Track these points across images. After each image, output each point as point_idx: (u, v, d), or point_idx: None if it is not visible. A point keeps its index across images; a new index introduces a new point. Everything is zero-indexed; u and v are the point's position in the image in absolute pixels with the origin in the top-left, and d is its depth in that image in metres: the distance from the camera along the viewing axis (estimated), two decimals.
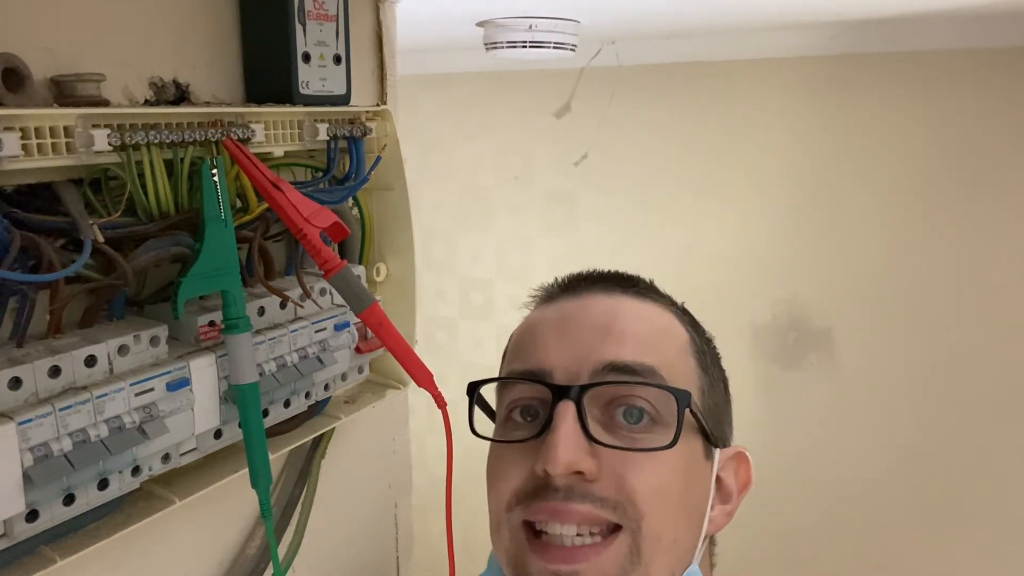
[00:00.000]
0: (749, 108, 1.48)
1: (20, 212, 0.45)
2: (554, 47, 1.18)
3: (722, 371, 0.61)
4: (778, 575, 1.45)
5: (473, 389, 0.58)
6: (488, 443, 0.57)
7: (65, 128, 0.45)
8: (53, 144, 0.45)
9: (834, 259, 1.41)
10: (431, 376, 0.60)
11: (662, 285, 0.63)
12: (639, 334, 0.54)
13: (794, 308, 1.46)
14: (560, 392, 0.51)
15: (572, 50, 1.22)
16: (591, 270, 0.62)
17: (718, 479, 0.56)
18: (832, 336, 1.42)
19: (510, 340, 0.61)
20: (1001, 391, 1.28)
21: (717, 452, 0.56)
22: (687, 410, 0.51)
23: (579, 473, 0.49)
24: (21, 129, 0.43)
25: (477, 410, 0.58)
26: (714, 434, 0.55)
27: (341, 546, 0.79)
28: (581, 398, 0.51)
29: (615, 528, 0.50)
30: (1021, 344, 1.26)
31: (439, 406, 0.59)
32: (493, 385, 0.60)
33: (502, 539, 0.53)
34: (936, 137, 1.32)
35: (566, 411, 0.50)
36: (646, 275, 0.63)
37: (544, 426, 0.51)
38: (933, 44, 1.28)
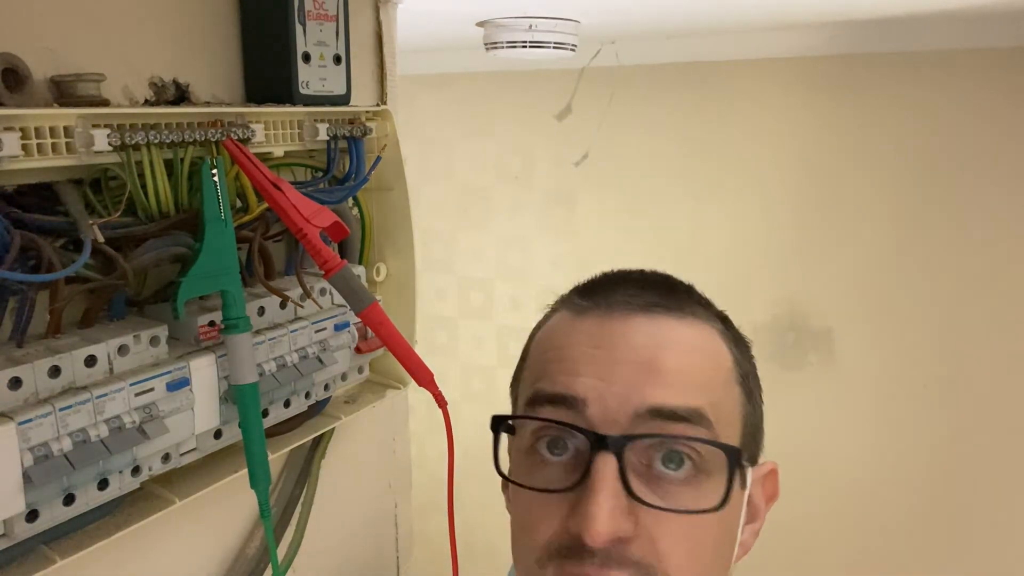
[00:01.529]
0: (749, 108, 1.48)
1: (20, 212, 0.45)
2: (554, 47, 1.18)
3: (759, 382, 0.56)
4: (777, 574, 1.45)
5: (497, 424, 0.52)
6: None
7: (65, 128, 0.45)
8: (53, 144, 0.45)
9: (834, 259, 1.41)
10: (431, 375, 0.60)
11: None
12: (685, 370, 0.49)
13: (794, 308, 1.46)
14: (599, 441, 0.46)
15: (572, 50, 1.22)
16: (625, 273, 0.55)
17: (748, 497, 0.52)
18: (832, 336, 1.42)
19: (532, 343, 0.56)
20: (1001, 390, 1.28)
21: (750, 472, 0.52)
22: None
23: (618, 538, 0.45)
24: (21, 129, 0.43)
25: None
26: (752, 460, 0.52)
27: (341, 546, 0.79)
28: (623, 450, 0.46)
29: None
30: (1021, 344, 1.26)
31: (439, 405, 0.59)
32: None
33: None
34: (936, 137, 1.32)
35: (605, 467, 0.45)
36: None
37: (580, 477, 0.46)
38: (933, 44, 1.28)
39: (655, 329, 0.50)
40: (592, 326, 0.51)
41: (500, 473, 0.53)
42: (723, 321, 0.54)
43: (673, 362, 0.48)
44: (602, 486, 0.45)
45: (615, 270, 0.56)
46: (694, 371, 0.49)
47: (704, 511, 0.46)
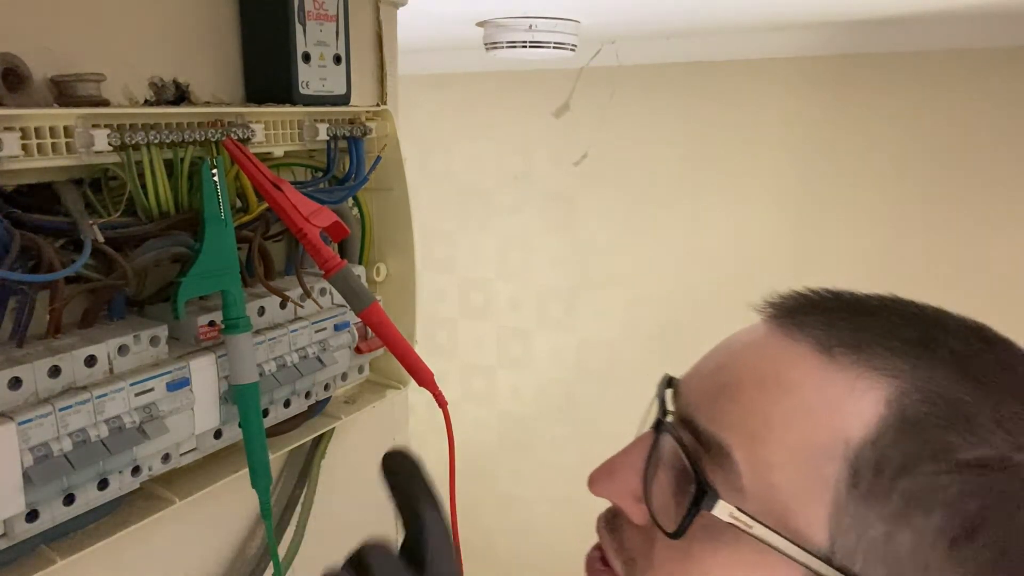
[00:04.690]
0: (749, 108, 1.48)
1: (20, 212, 0.45)
2: (554, 47, 1.18)
3: (931, 512, 0.35)
4: None
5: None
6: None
7: (65, 128, 0.45)
8: (53, 144, 0.45)
9: (834, 258, 1.41)
10: (431, 375, 0.60)
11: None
12: (755, 401, 0.39)
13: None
14: (658, 422, 0.43)
15: (572, 50, 1.22)
16: (843, 296, 0.46)
17: None
18: None
19: None
20: None
21: None
22: (727, 515, 0.38)
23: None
24: (21, 129, 0.43)
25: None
26: None
27: (341, 546, 0.79)
28: (659, 438, 0.42)
29: None
30: (1021, 343, 1.26)
31: (440, 405, 0.59)
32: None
33: None
34: (936, 136, 1.32)
35: (644, 440, 0.43)
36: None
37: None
38: (933, 44, 1.28)
39: (780, 350, 0.41)
40: (743, 330, 0.45)
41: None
42: (937, 403, 0.36)
43: (748, 384, 0.40)
44: (627, 450, 0.43)
45: (839, 290, 0.47)
46: (767, 405, 0.39)
47: (660, 526, 0.40)
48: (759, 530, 0.37)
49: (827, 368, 0.38)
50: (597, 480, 0.43)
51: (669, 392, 0.45)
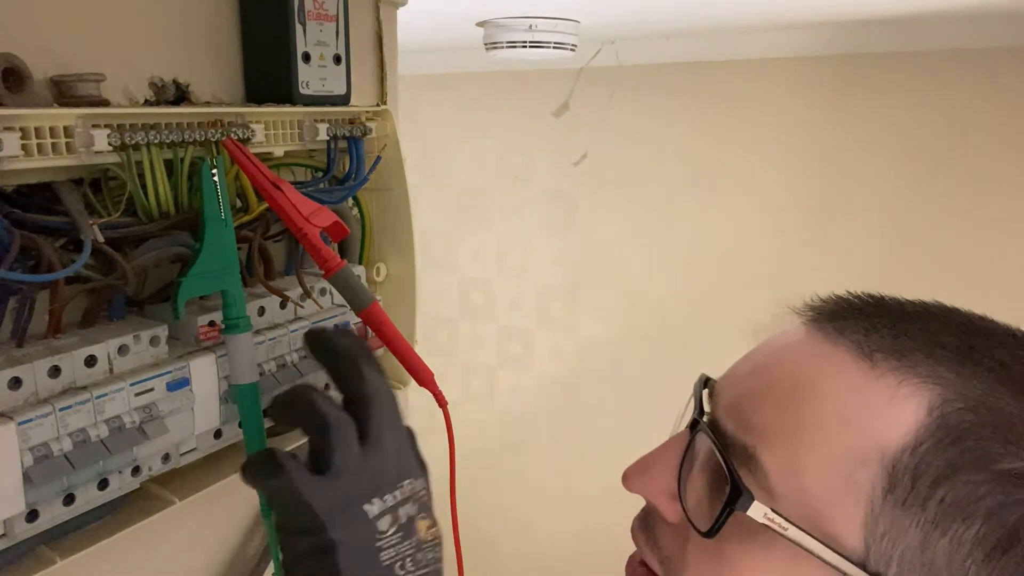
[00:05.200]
0: (749, 108, 1.48)
1: (20, 212, 0.45)
2: (554, 47, 1.18)
3: (963, 517, 0.35)
4: None
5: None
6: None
7: (65, 128, 0.45)
8: (53, 144, 0.45)
9: (834, 258, 1.41)
10: (431, 375, 0.60)
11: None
12: (785, 405, 0.39)
13: (796, 308, 1.46)
14: (694, 422, 0.44)
15: (572, 50, 1.22)
16: (885, 301, 0.45)
17: None
18: None
19: None
20: None
21: None
22: (758, 515, 0.38)
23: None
24: (21, 129, 0.43)
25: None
26: None
27: None
28: (695, 437, 0.43)
29: None
30: None
31: (440, 405, 0.59)
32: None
33: None
34: (936, 136, 1.32)
35: (679, 439, 0.43)
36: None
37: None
38: (933, 44, 1.28)
39: (817, 357, 0.40)
40: (781, 332, 0.45)
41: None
42: (983, 411, 0.35)
43: (778, 389, 0.40)
44: (664, 448, 0.44)
45: (881, 295, 0.46)
46: (792, 411, 0.39)
47: (693, 525, 0.41)
48: (794, 532, 0.37)
49: (866, 374, 0.38)
50: (631, 476, 0.43)
51: (705, 392, 0.45)
